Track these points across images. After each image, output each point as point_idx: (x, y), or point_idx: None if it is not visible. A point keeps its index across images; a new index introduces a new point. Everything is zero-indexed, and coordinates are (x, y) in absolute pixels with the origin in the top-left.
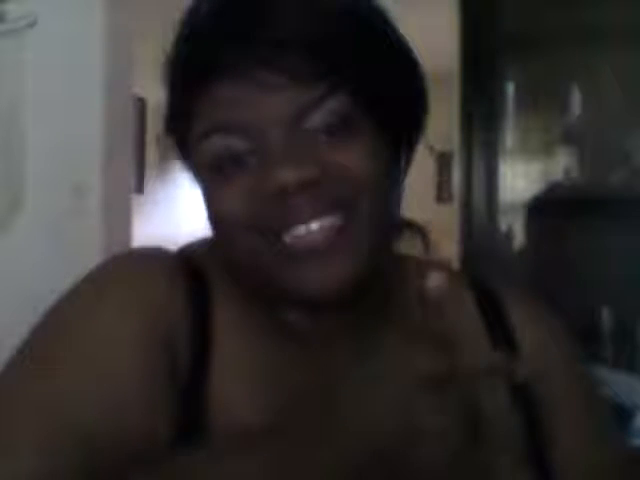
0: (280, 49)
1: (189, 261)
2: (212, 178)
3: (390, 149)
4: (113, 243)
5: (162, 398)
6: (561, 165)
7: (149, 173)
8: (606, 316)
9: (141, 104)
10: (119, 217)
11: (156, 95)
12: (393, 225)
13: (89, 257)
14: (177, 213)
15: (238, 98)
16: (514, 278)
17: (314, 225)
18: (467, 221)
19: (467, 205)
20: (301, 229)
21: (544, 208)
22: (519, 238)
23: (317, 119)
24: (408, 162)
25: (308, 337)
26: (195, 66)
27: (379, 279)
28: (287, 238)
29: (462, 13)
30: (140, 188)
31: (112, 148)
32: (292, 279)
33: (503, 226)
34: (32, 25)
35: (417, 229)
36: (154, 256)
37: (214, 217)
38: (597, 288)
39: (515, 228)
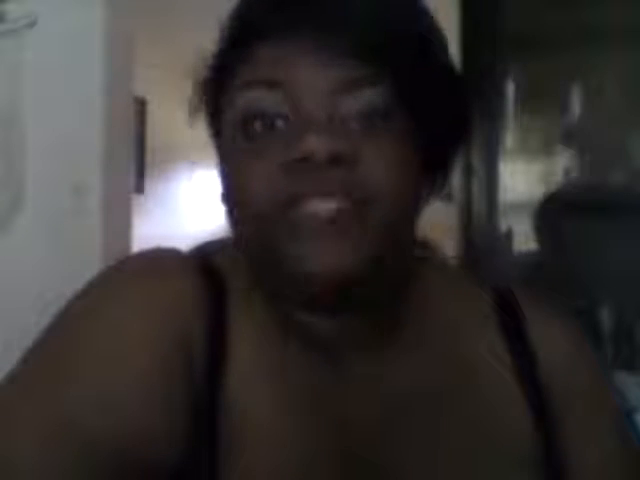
0: (338, 24)
1: (206, 262)
2: (239, 140)
3: (422, 160)
4: (113, 243)
5: (174, 400)
6: (561, 165)
7: (149, 173)
8: (606, 316)
9: (141, 104)
10: (119, 217)
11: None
12: (407, 238)
13: (89, 257)
14: (177, 213)
15: (283, 59)
16: (514, 278)
17: (330, 203)
18: (467, 221)
19: (467, 205)
20: (317, 203)
21: (544, 208)
22: (519, 238)
23: (354, 103)
24: (440, 186)
25: (325, 341)
26: (247, 23)
27: (392, 288)
28: (302, 209)
29: (462, 13)
30: (140, 188)
31: (112, 148)
32: (295, 256)
33: (503, 226)
34: (32, 25)
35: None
36: (170, 257)
37: (236, 188)
38: (597, 288)
39: (515, 228)
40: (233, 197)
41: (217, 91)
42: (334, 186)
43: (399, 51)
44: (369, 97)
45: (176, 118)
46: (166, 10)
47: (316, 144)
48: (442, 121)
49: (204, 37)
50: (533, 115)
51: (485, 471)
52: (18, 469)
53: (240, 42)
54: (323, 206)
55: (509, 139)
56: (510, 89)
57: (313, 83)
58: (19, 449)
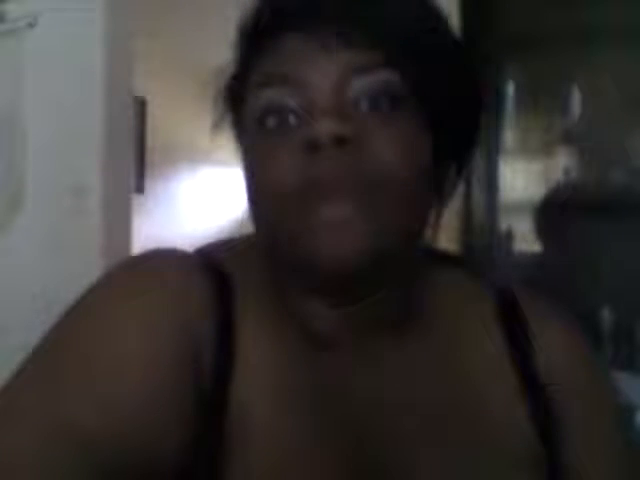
0: (343, 13)
1: (211, 261)
2: (257, 136)
3: (434, 148)
4: (113, 243)
5: (179, 400)
6: (561, 165)
7: (149, 173)
8: (606, 316)
9: (141, 104)
10: (119, 217)
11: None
12: (415, 226)
13: (89, 257)
14: (177, 213)
15: (293, 53)
16: (514, 278)
17: (339, 198)
18: (467, 221)
19: (467, 205)
20: (327, 198)
21: (544, 208)
22: (519, 238)
23: (365, 85)
24: (455, 180)
25: (332, 344)
26: (259, 21)
27: (401, 284)
28: (311, 202)
29: (462, 13)
30: (140, 188)
31: (112, 148)
32: (311, 244)
33: (503, 226)
34: (32, 25)
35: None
36: (176, 256)
37: (253, 174)
38: (597, 288)
39: (515, 228)
40: (250, 190)
41: (236, 91)
42: (341, 171)
43: (405, 35)
44: (377, 79)
45: (176, 118)
46: (166, 10)
47: (320, 130)
48: (453, 108)
49: (204, 37)
50: (533, 115)
51: (487, 472)
52: (18, 468)
53: (253, 39)
54: (332, 203)
55: (509, 139)
56: (510, 89)
57: (321, 74)
58: (19, 449)
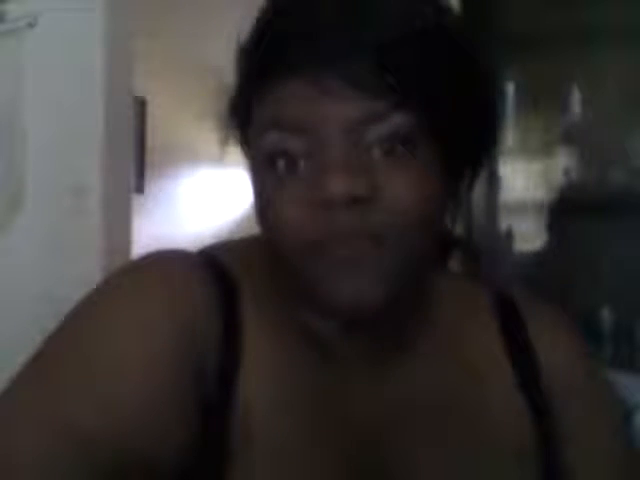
0: (350, 57)
1: (215, 263)
2: (266, 176)
3: (449, 177)
4: (113, 243)
5: (180, 400)
6: (561, 165)
7: (149, 173)
8: (606, 316)
9: (141, 104)
10: (119, 217)
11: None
12: (426, 264)
13: (89, 257)
14: (177, 213)
15: (301, 99)
16: (514, 278)
17: (350, 246)
18: (467, 221)
19: (467, 205)
20: (341, 245)
21: (545, 209)
22: (519, 238)
23: (377, 133)
24: (468, 186)
25: (337, 347)
26: (263, 63)
27: (410, 302)
28: (322, 251)
29: (462, 13)
30: (140, 188)
31: (112, 148)
32: (325, 290)
33: (503, 226)
34: (32, 25)
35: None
36: (180, 257)
37: (264, 215)
38: (597, 288)
39: (515, 228)
40: (263, 224)
41: (244, 122)
42: (354, 228)
43: (418, 72)
44: (390, 125)
45: (176, 118)
46: (166, 10)
47: (334, 189)
48: (469, 143)
49: (204, 37)
50: (533, 115)
51: (487, 471)
52: (18, 468)
53: (261, 79)
54: (343, 249)
55: (509, 139)
56: (510, 89)
57: (335, 121)
58: (19, 449)
